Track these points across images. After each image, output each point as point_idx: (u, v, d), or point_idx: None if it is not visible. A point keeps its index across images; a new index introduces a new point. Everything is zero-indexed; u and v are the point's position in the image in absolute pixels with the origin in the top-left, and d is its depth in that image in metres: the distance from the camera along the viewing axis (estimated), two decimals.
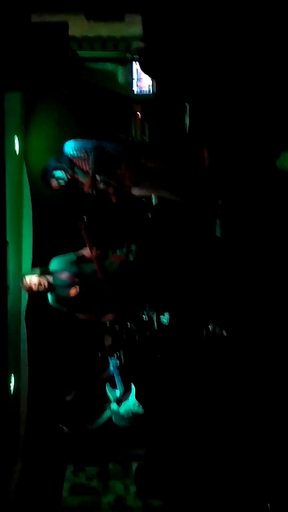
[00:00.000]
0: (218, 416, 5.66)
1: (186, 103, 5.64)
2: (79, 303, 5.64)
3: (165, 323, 5.93)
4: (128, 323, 5.94)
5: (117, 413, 5.79)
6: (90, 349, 6.05)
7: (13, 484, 5.96)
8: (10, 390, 5.77)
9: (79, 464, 6.29)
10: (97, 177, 5.47)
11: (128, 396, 5.80)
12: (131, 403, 5.78)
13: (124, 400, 5.80)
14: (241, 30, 5.11)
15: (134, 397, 5.79)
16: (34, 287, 5.50)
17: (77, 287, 5.57)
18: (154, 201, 5.98)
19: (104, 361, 5.94)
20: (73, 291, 5.57)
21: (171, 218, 5.94)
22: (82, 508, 5.87)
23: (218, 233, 5.74)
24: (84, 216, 5.47)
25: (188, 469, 5.69)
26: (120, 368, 5.90)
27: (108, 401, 5.87)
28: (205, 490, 5.51)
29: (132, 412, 5.76)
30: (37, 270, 5.63)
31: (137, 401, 5.75)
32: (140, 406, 5.73)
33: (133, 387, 5.83)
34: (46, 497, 5.98)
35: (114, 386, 5.89)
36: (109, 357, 5.88)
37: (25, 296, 6.14)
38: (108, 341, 5.94)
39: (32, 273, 5.63)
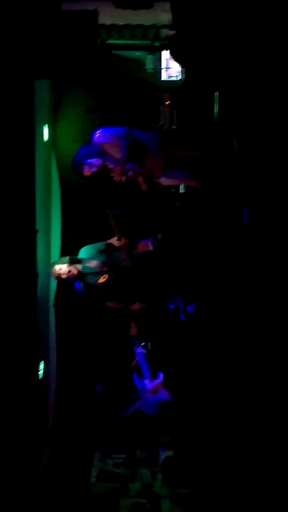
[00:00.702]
0: (246, 404, 5.65)
1: (216, 91, 5.60)
2: (107, 291, 5.66)
3: (191, 313, 5.94)
4: (156, 312, 5.97)
5: (146, 402, 5.81)
6: (118, 336, 6.09)
7: (42, 469, 6.02)
8: (39, 376, 5.83)
9: (107, 451, 6.33)
10: (128, 165, 5.45)
11: (156, 385, 5.82)
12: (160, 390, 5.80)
13: (152, 389, 5.82)
14: (273, 16, 5.06)
15: (162, 386, 5.81)
16: (63, 275, 5.54)
17: (106, 275, 5.59)
18: (182, 189, 5.98)
19: (131, 348, 5.97)
20: (102, 279, 5.58)
21: (199, 207, 5.93)
22: (109, 495, 5.91)
23: (245, 221, 5.71)
24: (112, 205, 5.48)
25: (216, 458, 5.70)
26: (147, 357, 5.92)
27: (137, 390, 5.90)
28: (232, 479, 5.52)
29: (160, 400, 5.78)
30: (66, 258, 5.66)
31: (165, 389, 5.77)
32: (169, 394, 5.74)
33: (161, 375, 5.84)
34: (74, 483, 6.04)
35: (141, 376, 5.92)
36: (134, 347, 5.91)
37: (53, 284, 6.18)
38: (133, 330, 5.96)
39: (61, 261, 5.67)
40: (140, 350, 5.91)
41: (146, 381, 5.86)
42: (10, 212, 4.93)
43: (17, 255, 5.02)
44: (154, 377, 5.90)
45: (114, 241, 5.72)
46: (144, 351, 5.94)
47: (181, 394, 6.01)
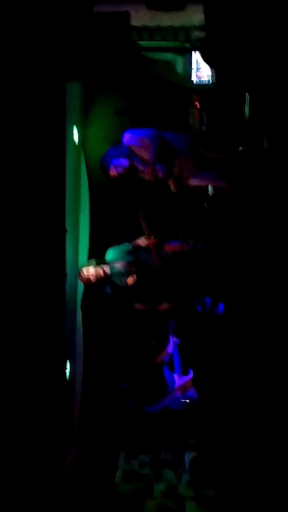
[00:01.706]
0: (274, 407, 5.63)
1: (247, 93, 5.59)
2: (135, 292, 5.66)
3: (219, 314, 5.92)
4: (184, 313, 5.96)
5: (174, 397, 5.79)
6: (145, 337, 6.09)
7: (67, 469, 6.05)
8: (66, 376, 5.86)
9: (132, 452, 6.35)
10: (157, 166, 5.46)
11: (186, 382, 5.79)
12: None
13: (182, 386, 5.80)
14: None
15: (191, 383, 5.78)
16: (92, 278, 5.52)
17: (134, 275, 5.59)
18: (210, 191, 5.98)
19: (158, 349, 5.96)
20: (130, 280, 5.58)
21: (228, 208, 5.92)
22: (134, 495, 5.92)
23: (276, 225, 5.69)
24: (142, 205, 5.49)
25: (242, 460, 5.68)
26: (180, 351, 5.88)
27: (165, 385, 5.88)
28: (258, 481, 5.50)
29: (188, 397, 5.75)
30: (93, 261, 5.66)
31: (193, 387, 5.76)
32: (196, 392, 5.72)
33: (191, 372, 5.81)
34: (99, 483, 6.06)
35: (172, 369, 5.90)
36: (170, 335, 5.86)
37: (81, 284, 6.20)
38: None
39: (88, 264, 5.66)
40: (174, 339, 5.86)
41: (176, 376, 5.83)
42: (40, 212, 4.97)
43: (46, 255, 5.06)
44: (184, 372, 5.87)
45: (141, 241, 5.73)
46: (179, 341, 5.88)
47: (208, 395, 6.00)
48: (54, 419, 5.34)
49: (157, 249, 5.66)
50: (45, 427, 5.22)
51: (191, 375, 5.79)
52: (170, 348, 5.83)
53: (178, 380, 5.79)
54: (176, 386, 5.77)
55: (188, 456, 6.21)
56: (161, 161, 5.40)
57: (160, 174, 5.49)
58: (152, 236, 5.60)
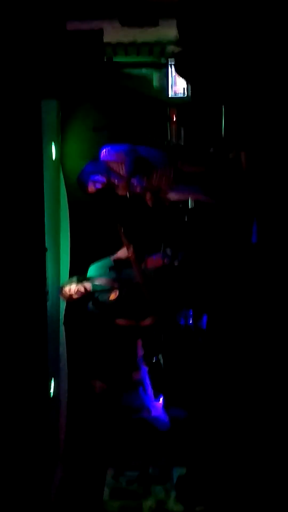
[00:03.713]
0: (259, 422, 5.61)
1: (222, 106, 5.61)
2: (118, 307, 5.65)
3: (202, 328, 5.92)
4: (166, 327, 5.95)
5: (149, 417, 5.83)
6: (128, 353, 6.07)
7: (54, 488, 6.00)
8: (50, 394, 5.82)
9: (119, 468, 6.30)
10: (133, 181, 5.47)
11: (157, 402, 5.83)
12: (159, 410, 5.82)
13: (151, 408, 5.84)
14: (279, 33, 5.07)
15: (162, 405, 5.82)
16: (74, 295, 5.55)
17: (116, 291, 5.58)
18: (190, 204, 5.99)
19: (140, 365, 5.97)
20: (112, 295, 5.58)
21: (207, 222, 5.92)
22: None
23: (254, 238, 5.69)
24: (121, 219, 5.50)
25: (230, 475, 5.65)
26: (152, 373, 5.91)
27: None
28: (247, 496, 5.46)
29: (160, 420, 5.78)
30: (75, 278, 5.67)
31: (164, 410, 5.78)
32: (166, 415, 5.76)
33: (161, 398, 5.86)
34: (87, 501, 6.01)
35: (145, 391, 5.92)
36: (139, 363, 5.90)
37: (63, 302, 6.19)
38: (140, 351, 5.94)
39: (70, 281, 5.67)
40: (144, 366, 5.90)
41: (148, 398, 5.86)
42: (19, 231, 4.94)
43: (27, 273, 5.02)
44: (155, 396, 5.91)
45: (121, 253, 5.72)
46: (147, 368, 5.93)
47: (193, 410, 5.98)
48: (40, 437, 5.29)
49: (138, 264, 5.66)
50: (30, 446, 5.16)
51: (160, 401, 5.82)
52: (139, 374, 5.86)
53: (150, 402, 5.83)
54: (145, 408, 5.80)
55: (176, 471, 6.18)
56: (137, 175, 5.42)
57: (136, 188, 5.50)
58: (132, 250, 5.60)
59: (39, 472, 5.27)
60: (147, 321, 5.77)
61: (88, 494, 6.08)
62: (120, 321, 5.75)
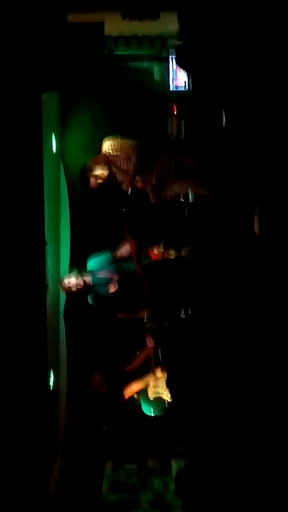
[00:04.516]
0: (258, 416, 5.61)
1: (223, 99, 5.59)
2: (117, 300, 5.65)
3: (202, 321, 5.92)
4: (166, 321, 5.94)
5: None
6: (128, 346, 6.07)
7: (53, 480, 6.00)
8: (50, 387, 5.83)
9: (118, 462, 6.31)
10: (137, 176, 5.46)
11: None
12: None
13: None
14: (280, 26, 5.05)
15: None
16: (73, 288, 5.55)
17: (116, 284, 5.58)
18: (191, 198, 5.97)
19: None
20: (112, 288, 5.58)
21: (208, 215, 5.91)
22: (121, 505, 5.88)
23: (256, 230, 5.68)
24: (123, 209, 5.50)
25: (228, 469, 5.66)
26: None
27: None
28: (245, 490, 5.47)
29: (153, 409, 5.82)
30: (75, 271, 5.67)
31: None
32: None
33: None
34: (86, 494, 6.02)
35: None
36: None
37: (63, 295, 6.19)
38: (150, 343, 5.94)
39: (69, 274, 5.68)
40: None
41: None
42: (19, 224, 4.94)
43: (26, 267, 5.02)
44: None
45: (124, 251, 5.72)
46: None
47: (192, 402, 5.98)
48: (39, 430, 5.29)
49: (139, 257, 5.66)
50: (29, 438, 5.17)
51: None
52: None
53: None
54: None
55: (175, 465, 6.19)
56: (141, 171, 5.41)
57: (139, 184, 5.50)
58: (134, 243, 5.60)
59: (38, 465, 5.28)
60: (142, 314, 5.77)
61: (87, 487, 6.09)
62: (120, 314, 5.76)
